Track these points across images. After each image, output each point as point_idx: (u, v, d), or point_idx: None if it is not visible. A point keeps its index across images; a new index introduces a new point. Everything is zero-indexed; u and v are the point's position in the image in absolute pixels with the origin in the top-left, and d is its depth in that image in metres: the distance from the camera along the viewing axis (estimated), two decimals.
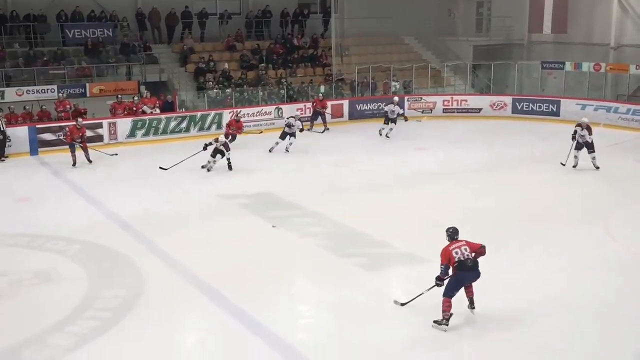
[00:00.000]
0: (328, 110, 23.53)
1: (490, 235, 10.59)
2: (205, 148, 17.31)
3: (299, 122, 19.89)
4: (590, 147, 16.95)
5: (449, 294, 8.63)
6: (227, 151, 17.22)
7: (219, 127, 22.13)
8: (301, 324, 9.43)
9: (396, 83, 26.88)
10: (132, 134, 21.15)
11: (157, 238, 12.23)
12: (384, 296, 9.83)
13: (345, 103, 25.11)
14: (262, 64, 26.08)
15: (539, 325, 8.80)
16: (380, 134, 21.73)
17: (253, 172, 17.37)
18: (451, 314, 8.61)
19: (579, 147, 17.05)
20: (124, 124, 21.11)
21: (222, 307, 9.56)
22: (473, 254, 8.62)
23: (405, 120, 23.01)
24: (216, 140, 17.26)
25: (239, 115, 21.48)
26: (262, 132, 22.70)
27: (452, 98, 26.16)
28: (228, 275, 10.56)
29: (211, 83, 24.26)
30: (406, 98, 25.67)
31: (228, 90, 24.03)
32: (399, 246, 11.74)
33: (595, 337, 8.63)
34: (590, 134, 16.91)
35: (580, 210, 14.08)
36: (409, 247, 11.56)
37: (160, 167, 17.39)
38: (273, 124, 23.15)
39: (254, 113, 23.22)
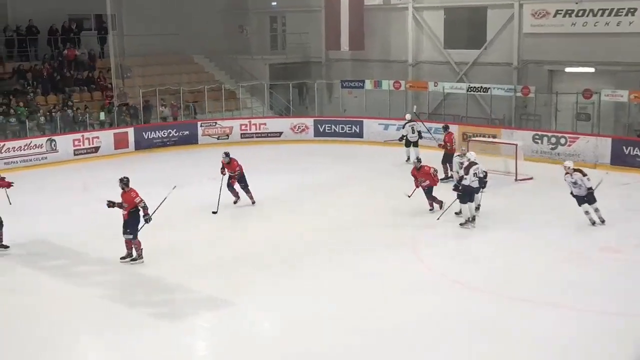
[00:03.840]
0: None
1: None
2: None
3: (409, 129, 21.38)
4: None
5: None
6: None
7: None
8: None
9: (163, 108, 26.28)
10: None
11: None
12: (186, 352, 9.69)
13: (130, 131, 24.38)
14: (30, 88, 24.72)
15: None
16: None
17: (18, 217, 15.55)
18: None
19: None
20: None
21: None
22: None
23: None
24: None
25: None
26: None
27: (249, 122, 26.35)
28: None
29: None
30: (199, 123, 25.49)
31: None
32: (199, 289, 11.64)
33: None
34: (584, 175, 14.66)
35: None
36: (210, 289, 11.58)
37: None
38: (46, 158, 22.11)
39: (20, 147, 21.77)
